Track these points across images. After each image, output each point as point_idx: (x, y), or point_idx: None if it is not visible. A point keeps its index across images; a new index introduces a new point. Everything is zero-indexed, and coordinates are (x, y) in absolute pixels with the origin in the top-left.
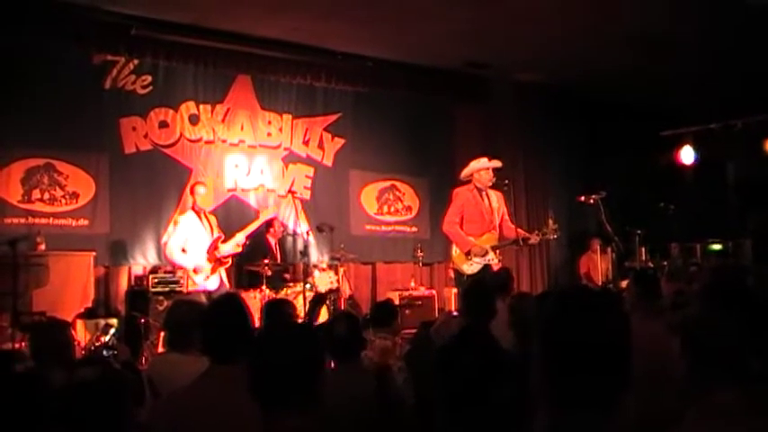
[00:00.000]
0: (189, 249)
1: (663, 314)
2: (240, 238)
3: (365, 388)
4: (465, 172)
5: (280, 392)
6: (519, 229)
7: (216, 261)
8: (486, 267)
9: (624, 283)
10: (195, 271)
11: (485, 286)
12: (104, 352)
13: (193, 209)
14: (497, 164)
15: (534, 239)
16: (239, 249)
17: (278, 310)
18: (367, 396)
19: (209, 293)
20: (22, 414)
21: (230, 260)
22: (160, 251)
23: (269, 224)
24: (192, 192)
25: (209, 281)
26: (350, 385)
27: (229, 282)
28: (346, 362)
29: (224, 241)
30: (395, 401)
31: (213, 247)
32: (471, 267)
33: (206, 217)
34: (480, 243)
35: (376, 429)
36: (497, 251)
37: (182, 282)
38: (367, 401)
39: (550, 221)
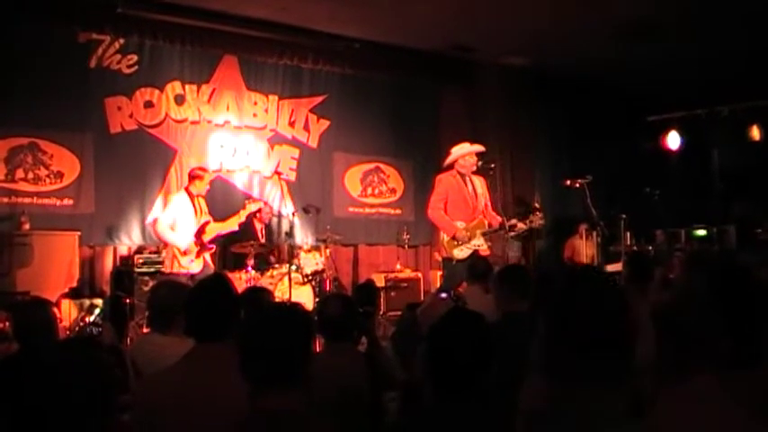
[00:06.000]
0: (176, 230)
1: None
2: (226, 227)
3: (356, 368)
4: (448, 160)
5: (268, 371)
6: (501, 217)
7: (201, 245)
8: (475, 253)
9: (610, 267)
10: (184, 253)
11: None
12: (89, 331)
13: (187, 190)
14: (480, 148)
15: (520, 227)
16: (223, 232)
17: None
18: (358, 376)
19: (191, 276)
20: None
21: (215, 246)
22: (145, 231)
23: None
24: (193, 176)
25: (193, 263)
26: (341, 365)
27: (214, 264)
28: (338, 342)
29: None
30: (385, 382)
31: (201, 232)
32: (462, 252)
33: (198, 201)
34: (470, 229)
35: (365, 410)
36: (487, 237)
37: (166, 262)
38: (358, 382)
39: (537, 212)
